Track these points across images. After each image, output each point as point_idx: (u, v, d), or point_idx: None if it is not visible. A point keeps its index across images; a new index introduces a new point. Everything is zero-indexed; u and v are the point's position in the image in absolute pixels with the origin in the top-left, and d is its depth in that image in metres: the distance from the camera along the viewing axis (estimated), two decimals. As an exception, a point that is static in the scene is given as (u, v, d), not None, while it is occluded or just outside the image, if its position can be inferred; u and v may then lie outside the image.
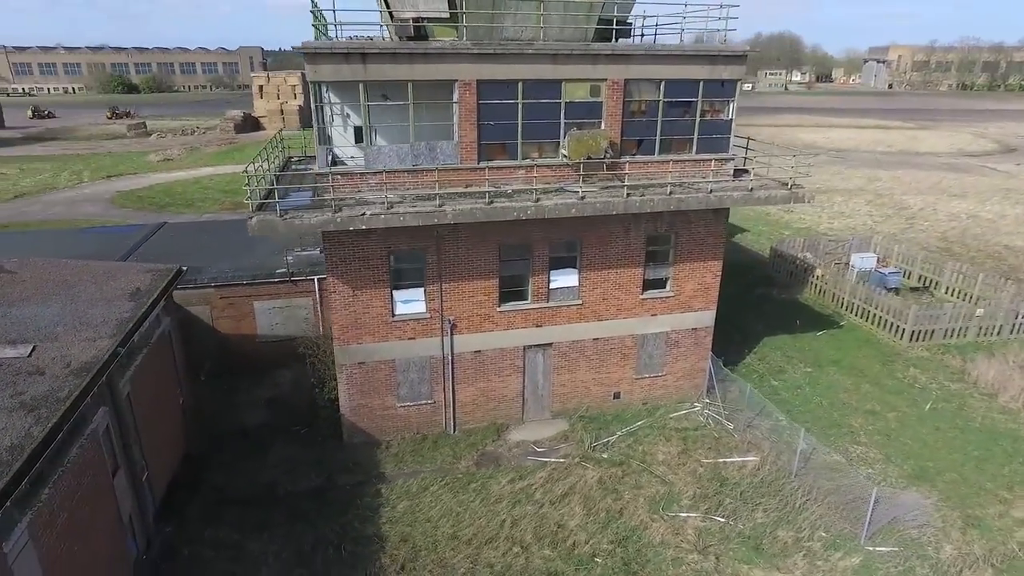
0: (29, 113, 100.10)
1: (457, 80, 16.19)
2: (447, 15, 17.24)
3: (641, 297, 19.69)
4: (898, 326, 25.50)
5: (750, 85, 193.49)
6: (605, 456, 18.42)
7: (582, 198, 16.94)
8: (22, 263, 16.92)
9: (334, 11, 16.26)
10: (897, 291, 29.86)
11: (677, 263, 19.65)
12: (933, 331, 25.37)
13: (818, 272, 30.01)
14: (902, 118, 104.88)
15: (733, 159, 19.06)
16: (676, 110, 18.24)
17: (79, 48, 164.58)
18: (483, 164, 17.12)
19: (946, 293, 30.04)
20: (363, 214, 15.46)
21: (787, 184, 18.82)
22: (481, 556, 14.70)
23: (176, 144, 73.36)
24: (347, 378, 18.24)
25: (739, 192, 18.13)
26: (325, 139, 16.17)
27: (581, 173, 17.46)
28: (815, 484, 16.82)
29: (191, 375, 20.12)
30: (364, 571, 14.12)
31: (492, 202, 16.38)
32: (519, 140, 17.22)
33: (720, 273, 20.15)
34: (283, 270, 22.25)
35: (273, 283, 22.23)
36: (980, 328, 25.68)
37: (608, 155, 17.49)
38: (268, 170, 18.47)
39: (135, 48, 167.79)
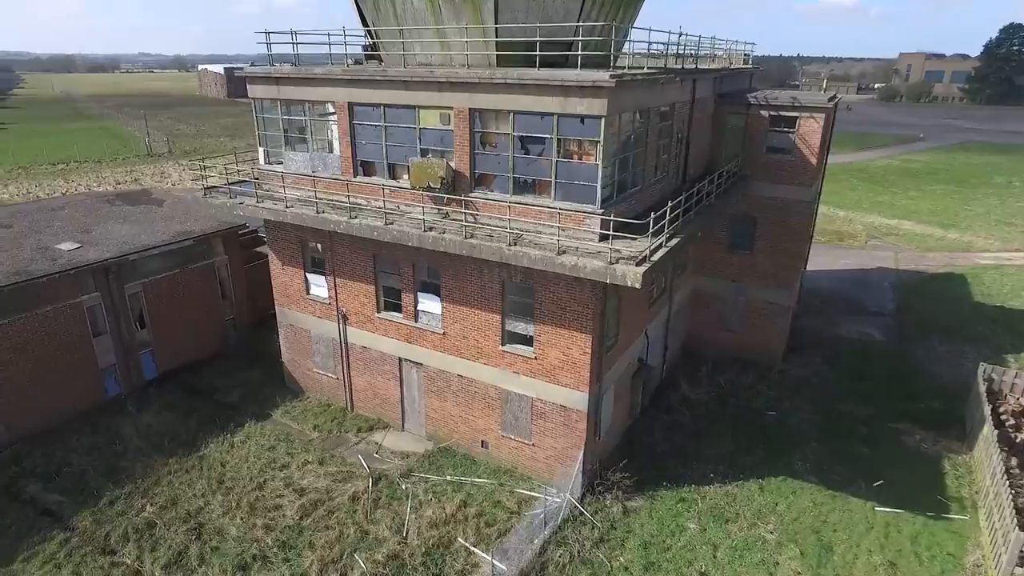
0: None
1: (334, 101, 18.27)
2: (370, 42, 19.20)
3: (501, 348, 17.85)
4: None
5: None
6: (403, 486, 18.14)
7: (389, 223, 16.98)
8: (173, 199, 26.84)
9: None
10: None
11: (539, 323, 17.01)
12: (1067, 594, 13.87)
13: (984, 430, 18.68)
14: None
15: (598, 214, 15.26)
16: (533, 147, 15.84)
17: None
18: (356, 179, 18.71)
19: None
20: (241, 203, 19.51)
21: (611, 261, 14.17)
22: (212, 494, 17.66)
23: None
24: (283, 334, 22.70)
25: (539, 252, 14.73)
26: (264, 142, 20.53)
27: (443, 204, 17.26)
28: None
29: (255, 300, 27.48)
30: (152, 459, 18.92)
31: (322, 212, 18.12)
32: (385, 160, 18.10)
33: (590, 351, 16.41)
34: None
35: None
36: None
37: (445, 186, 16.72)
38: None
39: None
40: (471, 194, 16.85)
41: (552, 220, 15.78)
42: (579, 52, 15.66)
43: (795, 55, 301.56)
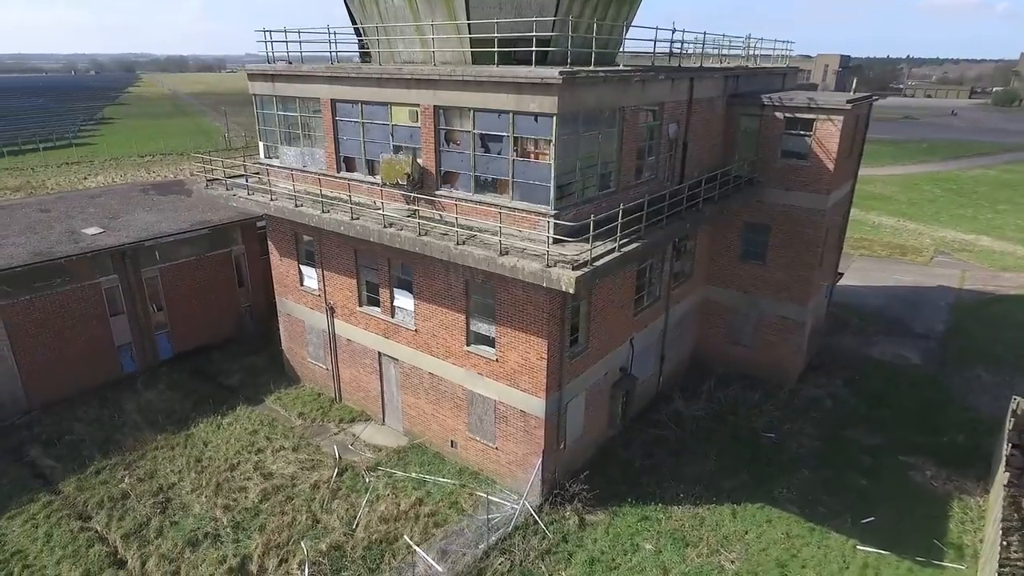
0: None
1: (319, 98, 18.65)
2: (358, 41, 19.46)
3: (466, 348, 17.65)
4: (980, 612, 13.17)
5: None
6: (367, 478, 18.30)
7: (355, 218, 17.12)
8: (198, 191, 28.24)
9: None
10: None
11: (500, 324, 16.69)
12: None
13: (1000, 473, 16.65)
14: None
15: (551, 215, 14.74)
16: (493, 145, 15.53)
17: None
18: (339, 175, 19.01)
19: None
20: (234, 195, 20.25)
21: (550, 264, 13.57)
22: (188, 472, 18.46)
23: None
24: (282, 322, 23.44)
25: (482, 252, 14.36)
26: (263, 137, 21.23)
27: (410, 201, 17.31)
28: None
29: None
30: (144, 434, 20.00)
31: (300, 206, 18.52)
32: (363, 156, 18.30)
33: (547, 356, 15.91)
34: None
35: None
36: None
37: (410, 183, 16.70)
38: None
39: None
40: (437, 192, 16.76)
41: (509, 219, 15.44)
42: (537, 48, 15.19)
43: (904, 56, 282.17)
